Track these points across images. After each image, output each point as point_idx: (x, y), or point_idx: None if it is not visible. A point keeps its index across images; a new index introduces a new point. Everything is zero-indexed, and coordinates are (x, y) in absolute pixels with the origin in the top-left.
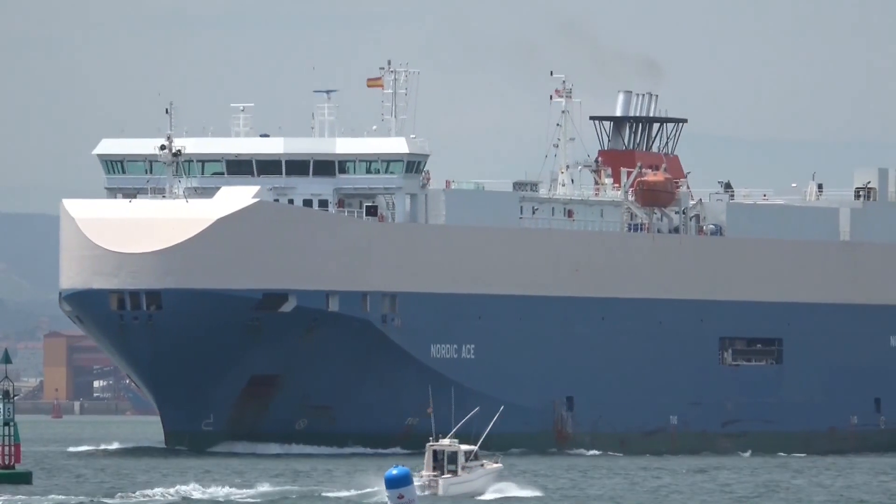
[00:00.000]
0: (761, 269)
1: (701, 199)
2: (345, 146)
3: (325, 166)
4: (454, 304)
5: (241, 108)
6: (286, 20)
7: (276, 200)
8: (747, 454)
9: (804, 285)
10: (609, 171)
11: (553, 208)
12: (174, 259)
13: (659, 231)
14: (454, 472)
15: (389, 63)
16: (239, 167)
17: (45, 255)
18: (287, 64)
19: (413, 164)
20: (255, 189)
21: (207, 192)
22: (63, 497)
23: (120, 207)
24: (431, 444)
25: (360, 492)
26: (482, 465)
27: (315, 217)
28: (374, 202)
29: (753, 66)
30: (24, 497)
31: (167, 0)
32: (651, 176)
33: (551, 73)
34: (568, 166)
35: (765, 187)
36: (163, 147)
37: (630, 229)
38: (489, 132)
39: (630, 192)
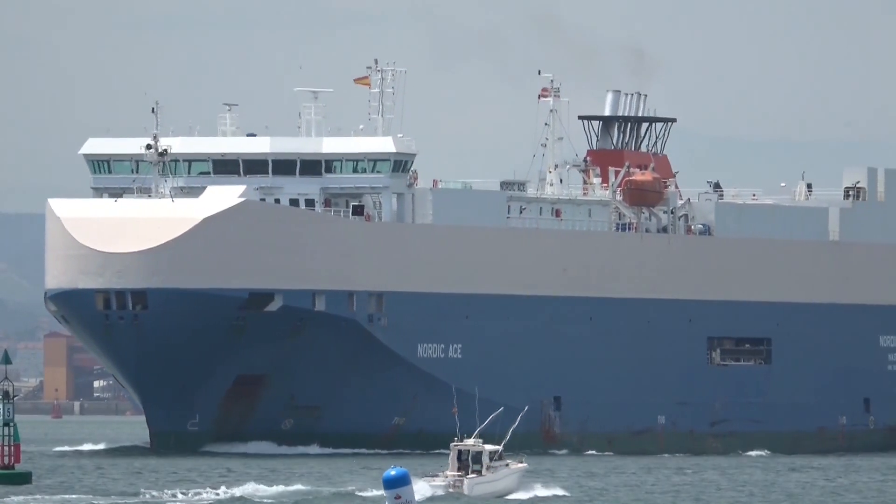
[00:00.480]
0: (750, 268)
1: (689, 199)
2: (331, 145)
3: (312, 166)
4: (441, 304)
5: (228, 107)
6: (272, 20)
7: (263, 200)
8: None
9: (793, 285)
10: (598, 170)
11: (541, 208)
12: (160, 259)
13: (647, 231)
14: (479, 472)
15: (376, 62)
16: (225, 167)
17: None
18: (273, 63)
19: (400, 164)
20: (241, 189)
21: (194, 192)
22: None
23: (105, 207)
24: (456, 443)
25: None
26: (507, 465)
27: (301, 216)
28: (360, 202)
29: (743, 65)
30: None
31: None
32: (639, 175)
33: (539, 73)
34: (556, 166)
35: (754, 187)
36: (149, 146)
37: (618, 229)
38: (477, 132)
39: (618, 192)
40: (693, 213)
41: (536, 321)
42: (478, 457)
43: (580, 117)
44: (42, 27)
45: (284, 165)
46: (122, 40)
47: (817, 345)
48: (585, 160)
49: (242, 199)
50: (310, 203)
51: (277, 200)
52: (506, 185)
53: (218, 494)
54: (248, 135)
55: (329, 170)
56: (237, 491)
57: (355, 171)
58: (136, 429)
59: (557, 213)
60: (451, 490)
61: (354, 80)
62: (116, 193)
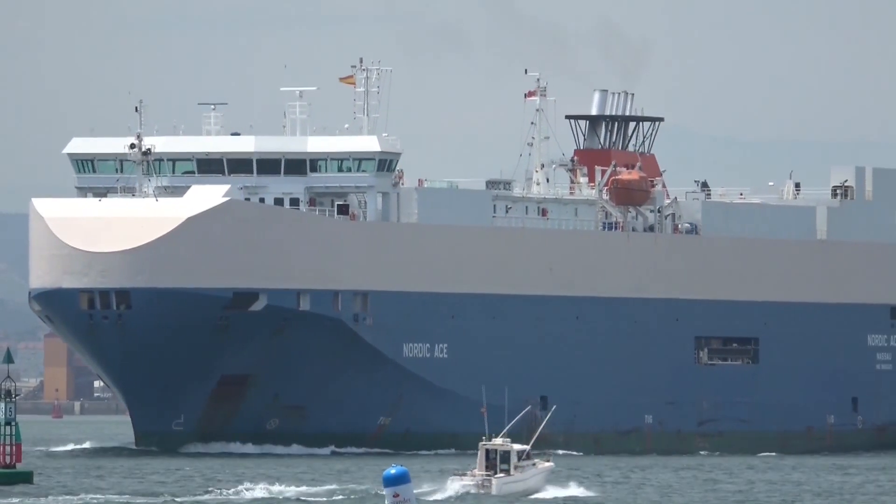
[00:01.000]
0: (737, 268)
1: (676, 198)
2: (316, 145)
3: (297, 165)
4: (427, 303)
5: (213, 106)
6: (257, 19)
7: (247, 199)
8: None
9: (781, 284)
10: (585, 170)
11: (527, 207)
12: (144, 258)
13: (634, 230)
14: (507, 472)
15: (361, 61)
16: (210, 166)
17: None
18: (258, 62)
19: (385, 163)
20: (225, 188)
21: (178, 191)
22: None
23: (89, 206)
24: (484, 443)
25: (419, 490)
26: (534, 465)
27: (286, 216)
28: (345, 201)
29: (731, 64)
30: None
31: None
32: (625, 174)
33: (525, 72)
34: (543, 165)
35: (742, 186)
36: (132, 146)
37: (604, 228)
38: (463, 131)
39: (604, 191)
40: (680, 213)
41: (523, 320)
42: (506, 456)
43: (567, 116)
44: (25, 26)
45: (269, 165)
46: (106, 39)
47: (805, 344)
48: (573, 160)
49: (227, 199)
50: (294, 202)
51: (262, 200)
52: (491, 184)
53: (269, 492)
54: (232, 134)
55: (314, 169)
56: (288, 490)
57: (340, 170)
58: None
59: (543, 213)
60: (480, 489)
61: (340, 79)
62: (101, 193)
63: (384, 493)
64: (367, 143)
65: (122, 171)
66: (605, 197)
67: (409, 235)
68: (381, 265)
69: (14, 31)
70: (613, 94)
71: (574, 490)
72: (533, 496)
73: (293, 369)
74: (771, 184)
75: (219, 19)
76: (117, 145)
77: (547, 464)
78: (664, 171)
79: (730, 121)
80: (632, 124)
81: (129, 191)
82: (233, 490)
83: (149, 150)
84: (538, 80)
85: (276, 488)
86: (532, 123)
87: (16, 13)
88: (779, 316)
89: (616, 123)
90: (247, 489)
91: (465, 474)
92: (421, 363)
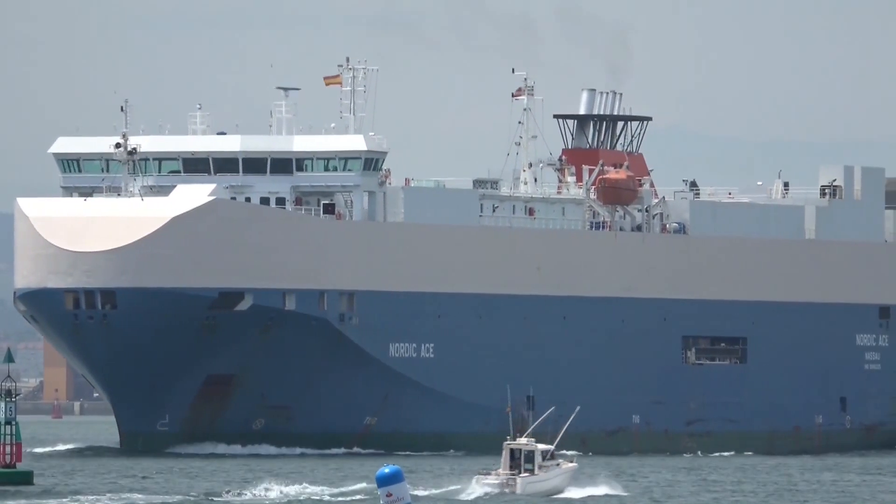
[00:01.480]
0: (725, 267)
1: (664, 197)
2: (302, 144)
3: (283, 164)
4: (413, 303)
5: (199, 105)
6: (243, 18)
7: (233, 199)
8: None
9: (769, 284)
10: (573, 169)
11: (514, 206)
12: (129, 258)
13: (621, 229)
14: (531, 471)
15: (348, 60)
16: (196, 165)
17: None
18: (245, 62)
19: (371, 162)
20: (211, 187)
21: (164, 191)
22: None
23: (74, 206)
24: (509, 442)
25: (445, 489)
26: (558, 465)
27: (272, 215)
28: (331, 200)
29: (719, 64)
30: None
31: None
32: (612, 173)
33: (513, 71)
34: (531, 164)
35: (731, 185)
36: (118, 145)
37: (592, 227)
38: (451, 131)
39: (592, 190)
40: (668, 212)
41: (509, 320)
42: (530, 456)
43: (555, 116)
44: (10, 25)
45: (255, 164)
46: (92, 38)
47: (793, 344)
48: (560, 159)
49: (212, 198)
50: (280, 201)
51: (248, 199)
52: (478, 183)
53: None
54: (218, 133)
55: (300, 168)
56: (315, 489)
57: (326, 169)
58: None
59: (531, 212)
60: (505, 489)
61: (325, 79)
62: (86, 192)
63: (378, 492)
64: (353, 143)
65: (107, 171)
66: (593, 196)
67: (395, 235)
68: (367, 265)
69: None
70: (601, 93)
71: (602, 489)
72: (556, 496)
73: (279, 369)
74: (759, 183)
75: (205, 19)
76: (103, 145)
77: (571, 464)
78: (652, 171)
79: (718, 121)
80: (620, 124)
81: (115, 190)
82: (260, 488)
83: (134, 149)
84: (525, 79)
85: (293, 489)
86: (520, 123)
87: None
88: (767, 315)
89: (604, 123)
90: (266, 489)
91: (489, 474)
92: (407, 363)
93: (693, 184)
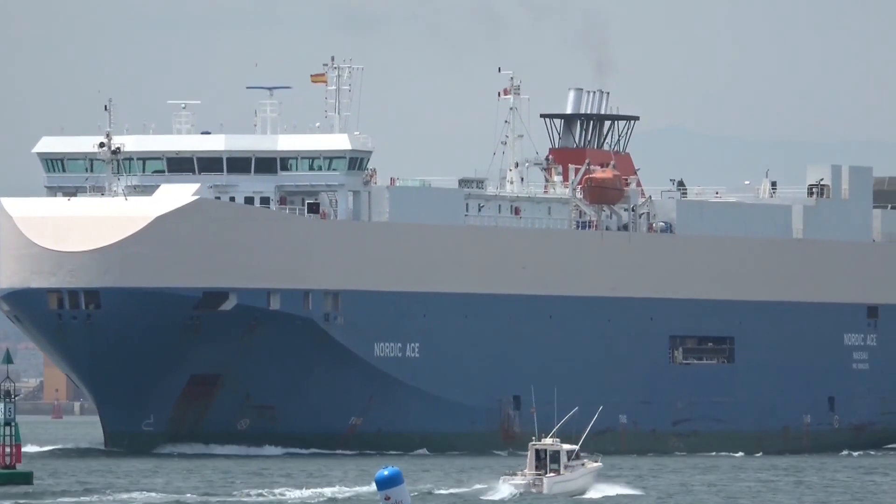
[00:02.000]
0: (712, 266)
1: (651, 197)
2: (287, 143)
3: (267, 163)
4: (398, 303)
5: (183, 105)
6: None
7: (217, 198)
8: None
9: (756, 283)
10: (560, 169)
11: (500, 206)
12: (113, 258)
13: (608, 228)
14: (556, 471)
15: (333, 59)
16: (180, 165)
17: None
18: (229, 61)
19: (356, 161)
20: (195, 187)
21: (148, 190)
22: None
23: (58, 206)
24: (534, 443)
25: (470, 489)
26: (583, 465)
27: (256, 214)
28: (316, 199)
29: (707, 63)
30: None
31: None
32: (599, 173)
33: (499, 70)
34: (517, 164)
35: (718, 185)
36: (101, 144)
37: (578, 227)
38: (437, 130)
39: (578, 190)
40: (654, 211)
41: (495, 320)
42: (556, 456)
43: (542, 115)
44: None
45: (239, 163)
46: (76, 38)
47: (781, 343)
48: (547, 158)
49: (196, 198)
50: (265, 201)
51: (232, 198)
52: (464, 182)
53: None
54: (202, 133)
55: (284, 167)
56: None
57: (311, 168)
58: None
59: (516, 211)
60: (531, 489)
61: (311, 77)
62: (70, 192)
63: (377, 495)
64: (338, 142)
65: (91, 171)
66: (579, 195)
67: (380, 234)
68: (352, 264)
69: None
70: (588, 92)
71: (624, 489)
72: (581, 495)
73: (264, 369)
74: (747, 182)
75: (189, 18)
76: (87, 144)
77: (595, 464)
78: (639, 170)
79: (705, 120)
80: (607, 123)
81: (99, 190)
82: (280, 490)
83: (118, 148)
84: (512, 78)
85: (306, 492)
86: (506, 122)
87: None
88: (754, 315)
89: (591, 122)
90: (284, 491)
91: (515, 474)
92: (392, 363)
93: (680, 183)
